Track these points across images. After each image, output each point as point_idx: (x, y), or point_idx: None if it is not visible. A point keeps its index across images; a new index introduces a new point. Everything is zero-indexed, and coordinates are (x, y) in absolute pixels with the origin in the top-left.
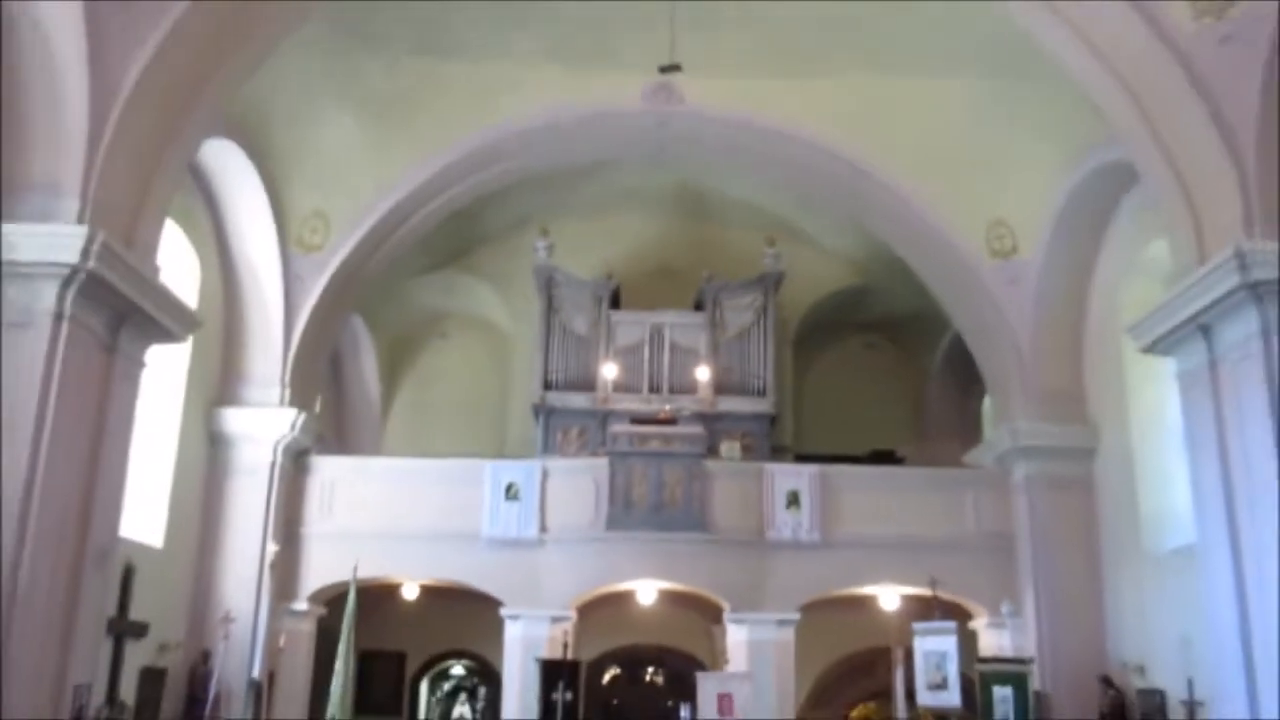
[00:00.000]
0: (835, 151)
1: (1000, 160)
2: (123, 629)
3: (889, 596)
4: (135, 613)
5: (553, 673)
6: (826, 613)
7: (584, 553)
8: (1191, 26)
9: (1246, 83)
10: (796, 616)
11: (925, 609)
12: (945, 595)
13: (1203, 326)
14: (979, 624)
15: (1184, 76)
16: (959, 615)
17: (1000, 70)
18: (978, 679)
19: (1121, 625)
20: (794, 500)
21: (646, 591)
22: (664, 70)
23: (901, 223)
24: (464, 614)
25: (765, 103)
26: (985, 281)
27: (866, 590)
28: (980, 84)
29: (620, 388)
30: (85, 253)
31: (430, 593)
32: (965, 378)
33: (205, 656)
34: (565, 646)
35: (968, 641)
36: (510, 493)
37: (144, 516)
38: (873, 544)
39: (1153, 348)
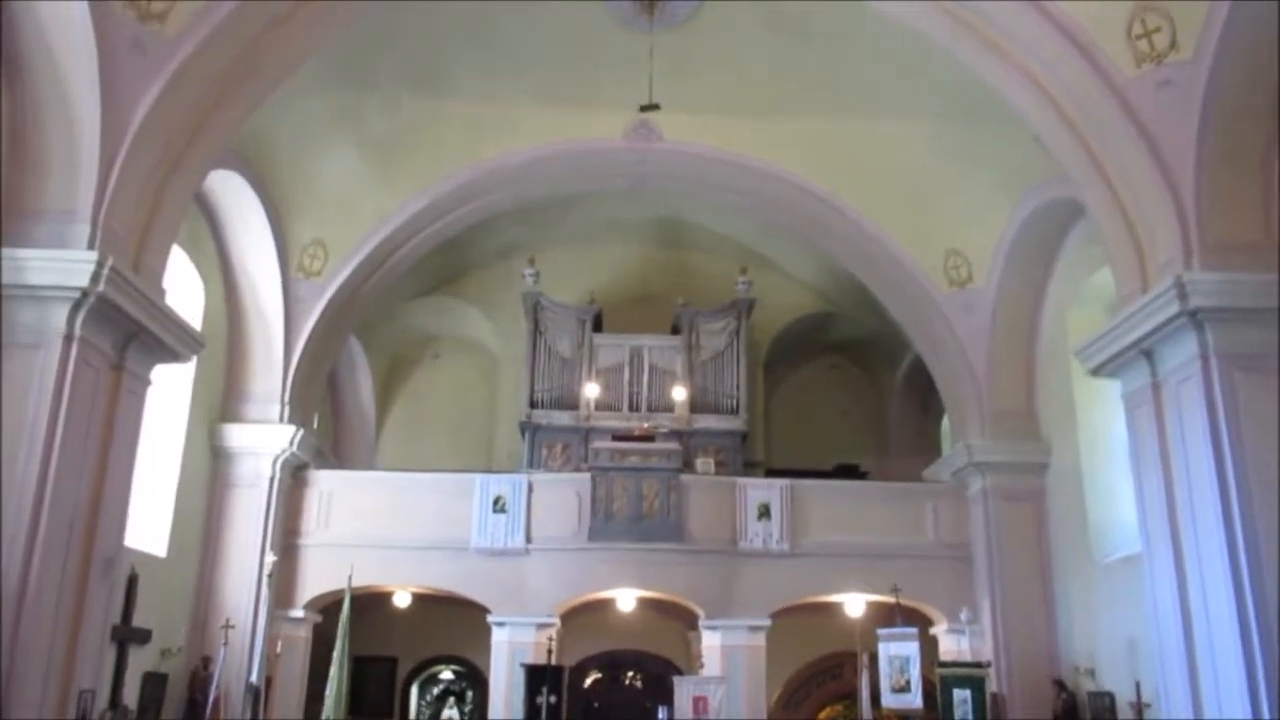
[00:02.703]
0: (803, 186)
1: (956, 195)
2: (126, 635)
3: (854, 603)
4: (138, 619)
5: (537, 677)
6: (796, 619)
7: (567, 562)
8: (1133, 72)
9: (1184, 124)
10: (768, 622)
11: (888, 615)
12: (907, 602)
13: (1145, 351)
14: (939, 630)
15: (1126, 118)
16: (920, 621)
17: (956, 113)
18: (938, 682)
19: (1072, 630)
20: (765, 512)
21: (626, 599)
22: (644, 109)
23: (864, 253)
24: (453, 620)
25: (738, 140)
26: (942, 308)
27: (833, 597)
28: (937, 125)
29: (602, 406)
30: (96, 277)
31: (421, 600)
32: (925, 397)
33: (205, 662)
34: (549, 652)
35: (928, 646)
36: (498, 505)
37: (148, 527)
38: (839, 553)
39: (1099, 370)
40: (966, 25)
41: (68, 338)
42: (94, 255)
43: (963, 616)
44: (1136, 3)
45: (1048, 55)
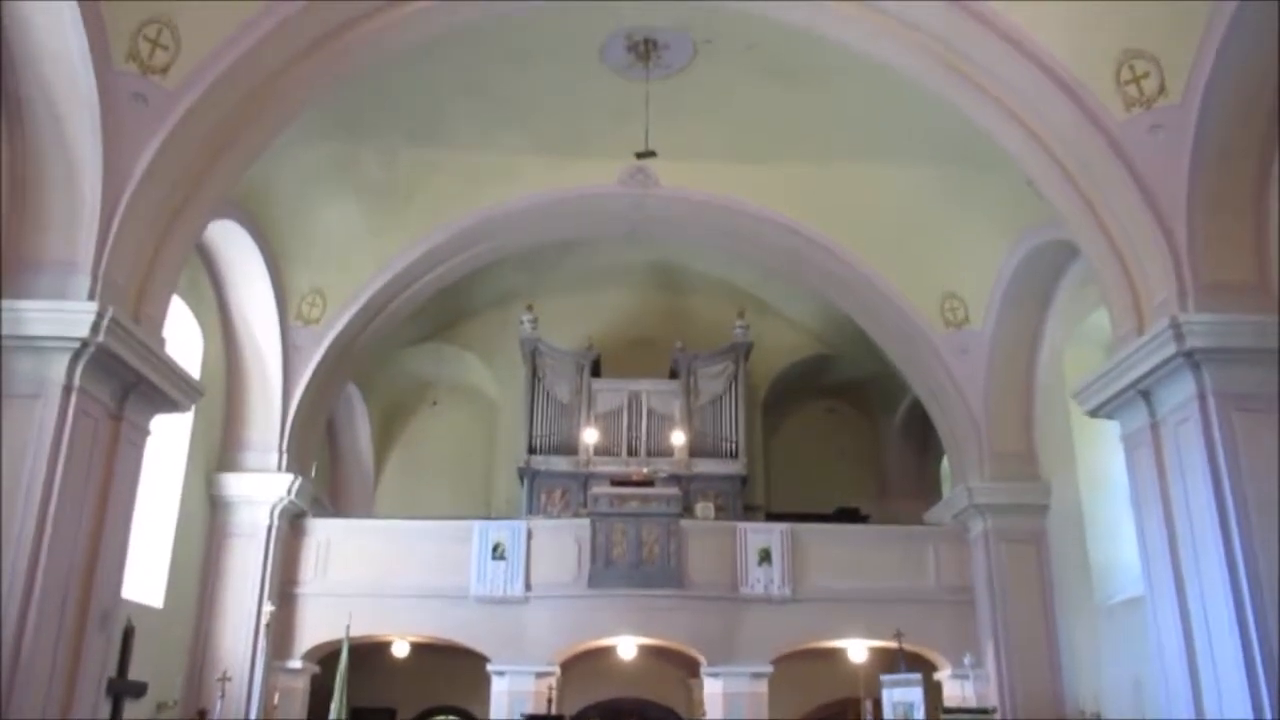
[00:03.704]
0: (799, 230)
1: (951, 238)
2: (122, 688)
3: (857, 649)
4: (134, 672)
5: None
6: (798, 665)
7: (567, 609)
8: (1122, 116)
9: (1175, 167)
10: (770, 669)
11: (892, 661)
12: (910, 647)
13: (1143, 392)
14: (943, 675)
15: (1117, 162)
16: (923, 666)
17: (950, 156)
18: None
19: (1077, 672)
20: (765, 557)
21: (627, 646)
22: (640, 156)
23: (861, 295)
24: (452, 670)
25: (734, 185)
26: (940, 350)
27: (836, 643)
28: (931, 169)
29: (601, 451)
30: (95, 327)
31: (420, 649)
32: (923, 439)
33: (202, 715)
34: (550, 700)
35: (933, 692)
36: (497, 552)
37: (145, 577)
38: (840, 598)
39: (1098, 411)
40: (957, 71)
41: (67, 388)
42: (94, 306)
43: (966, 661)
44: (1124, 48)
45: (1038, 101)
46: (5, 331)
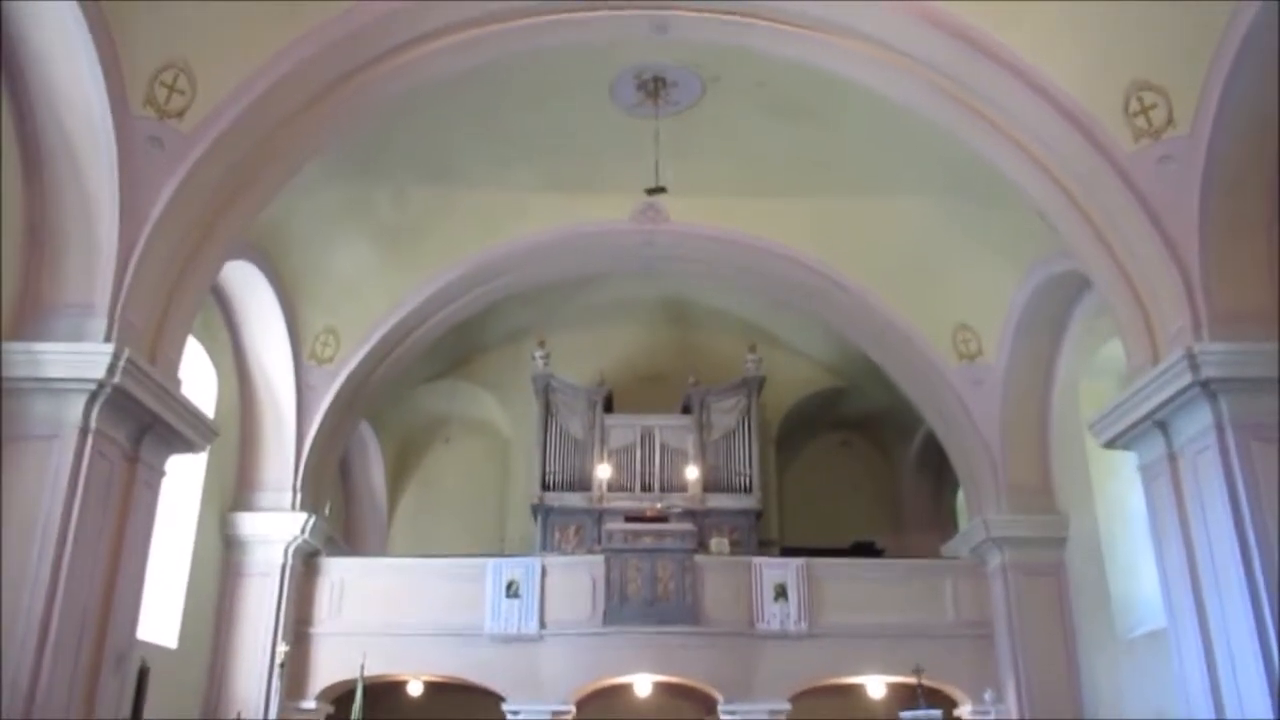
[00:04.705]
0: (810, 264)
1: (963, 270)
2: None
3: (875, 685)
4: (149, 713)
5: None
6: (816, 701)
7: (582, 647)
8: (1131, 147)
9: (1185, 197)
10: (788, 706)
11: (911, 697)
12: (929, 682)
13: (1159, 423)
14: (963, 711)
15: (1127, 193)
16: (943, 702)
17: (960, 188)
18: None
19: (1099, 708)
20: (781, 592)
21: (643, 684)
22: (650, 192)
23: (873, 328)
24: (467, 709)
25: (744, 220)
26: (953, 382)
27: (854, 679)
28: (941, 200)
29: (614, 487)
30: (112, 369)
31: (434, 689)
32: (938, 471)
33: None
34: None
35: None
36: (511, 590)
37: (159, 618)
38: (858, 634)
39: (1114, 443)
40: (964, 105)
41: (83, 430)
42: (110, 348)
43: (987, 697)
44: (1132, 80)
45: (1046, 133)
46: (23, 374)
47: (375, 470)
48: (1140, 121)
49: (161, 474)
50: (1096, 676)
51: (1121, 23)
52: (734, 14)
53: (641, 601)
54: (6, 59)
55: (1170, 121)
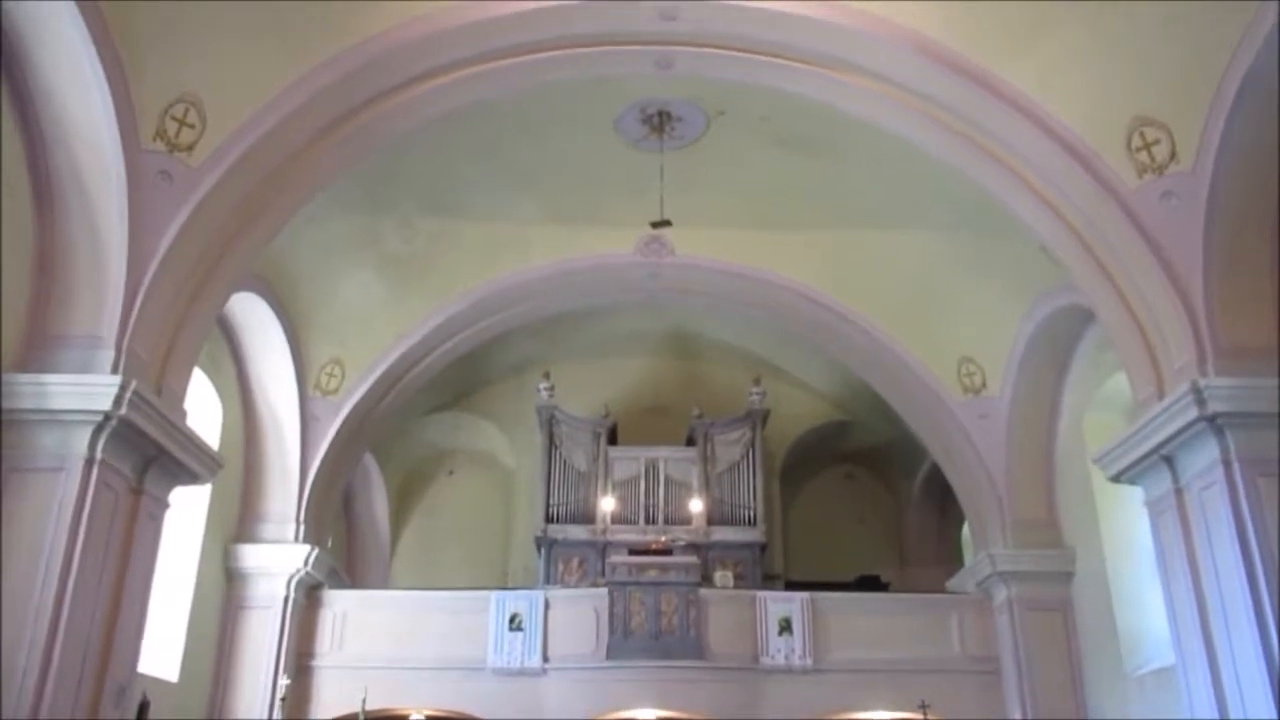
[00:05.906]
0: (814, 297)
1: (967, 303)
2: None
3: None
4: None
5: None
6: None
7: (586, 681)
8: (1134, 183)
9: (1189, 232)
10: None
11: None
12: (936, 718)
13: (1166, 457)
14: None
15: (1131, 228)
16: None
17: (964, 222)
18: None
19: None
20: (786, 626)
21: (647, 718)
22: (655, 225)
23: (877, 361)
24: None
25: (749, 253)
26: (958, 416)
27: (860, 715)
28: (945, 234)
29: (618, 520)
30: (118, 400)
31: None
32: (943, 505)
33: None
34: None
35: None
36: (514, 623)
37: (160, 650)
38: (864, 668)
39: (1119, 477)
40: (968, 140)
41: (89, 461)
42: (117, 379)
43: None
44: (1134, 115)
45: (1049, 169)
46: (29, 405)
47: (378, 502)
48: (1143, 157)
49: (165, 506)
50: (1105, 713)
51: (1124, 59)
52: (738, 50)
53: (645, 635)
54: (19, 91)
55: (1173, 157)
